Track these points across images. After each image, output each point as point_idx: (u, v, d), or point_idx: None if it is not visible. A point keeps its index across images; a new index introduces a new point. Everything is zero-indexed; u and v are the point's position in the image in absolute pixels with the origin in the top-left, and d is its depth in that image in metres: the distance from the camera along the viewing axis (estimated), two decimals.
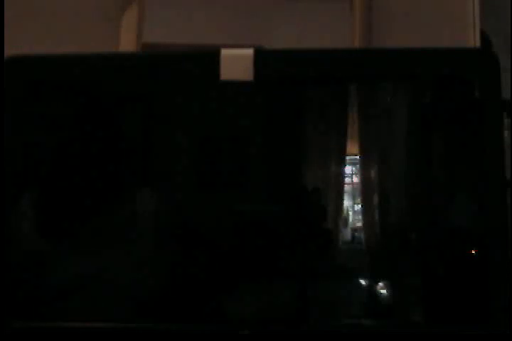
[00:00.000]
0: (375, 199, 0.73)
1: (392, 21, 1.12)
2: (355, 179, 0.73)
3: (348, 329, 0.67)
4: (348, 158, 0.73)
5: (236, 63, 0.68)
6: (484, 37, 1.16)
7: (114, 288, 0.69)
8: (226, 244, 0.69)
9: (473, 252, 0.67)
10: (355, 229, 0.73)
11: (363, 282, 0.71)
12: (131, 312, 0.69)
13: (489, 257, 0.64)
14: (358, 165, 0.73)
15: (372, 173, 0.73)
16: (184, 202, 0.70)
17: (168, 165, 0.71)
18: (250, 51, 0.68)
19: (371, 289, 0.70)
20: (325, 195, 0.72)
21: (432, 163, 0.72)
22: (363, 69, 0.69)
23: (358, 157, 0.73)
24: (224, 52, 0.68)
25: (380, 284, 0.71)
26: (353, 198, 0.74)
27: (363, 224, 0.73)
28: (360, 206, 0.74)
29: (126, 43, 1.09)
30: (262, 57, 0.68)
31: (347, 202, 0.74)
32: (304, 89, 0.72)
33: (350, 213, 0.74)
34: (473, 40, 1.12)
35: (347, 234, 0.73)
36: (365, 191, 0.73)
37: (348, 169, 0.73)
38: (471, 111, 0.67)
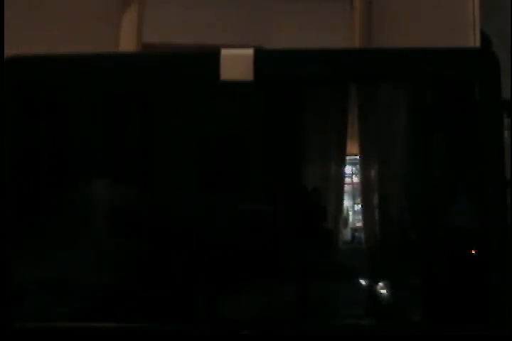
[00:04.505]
0: (375, 199, 0.73)
1: (392, 21, 1.12)
2: (355, 179, 0.73)
3: (348, 329, 0.67)
4: (348, 158, 0.73)
5: (236, 63, 0.68)
6: (484, 37, 1.16)
7: (114, 287, 0.69)
8: (226, 244, 0.69)
9: (473, 252, 0.67)
10: (355, 229, 0.73)
11: (363, 282, 0.71)
12: (131, 312, 0.69)
13: (489, 257, 0.64)
14: (358, 165, 0.73)
15: (372, 173, 0.73)
16: (184, 202, 0.70)
17: (168, 165, 0.71)
18: (250, 51, 0.68)
19: (371, 289, 0.70)
20: (325, 195, 0.72)
21: (432, 163, 0.72)
22: (363, 69, 0.69)
23: (358, 157, 0.73)
24: (224, 52, 0.68)
25: (380, 284, 0.71)
26: (353, 198, 0.74)
27: (363, 224, 0.73)
28: (360, 206, 0.74)
29: (126, 43, 1.09)
30: (262, 57, 0.68)
31: (347, 202, 0.74)
32: (304, 89, 0.72)
33: (350, 213, 0.74)
34: (473, 40, 1.12)
35: (347, 234, 0.73)
36: (365, 191, 0.73)
37: (348, 169, 0.73)
38: (471, 111, 0.67)
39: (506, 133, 0.68)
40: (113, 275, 0.69)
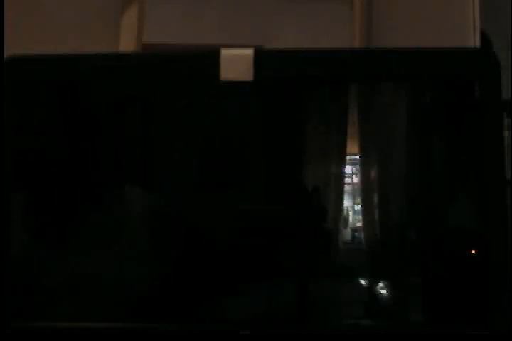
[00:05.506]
0: (375, 199, 0.73)
1: (392, 21, 1.12)
2: (355, 179, 0.73)
3: (348, 330, 0.67)
4: (348, 158, 0.73)
5: (236, 63, 0.68)
6: (484, 37, 1.15)
7: (114, 287, 0.69)
8: (226, 244, 0.69)
9: (473, 252, 0.67)
10: (355, 229, 0.73)
11: (363, 282, 0.71)
12: (131, 312, 0.69)
13: (489, 257, 0.64)
14: (358, 165, 0.73)
15: (372, 173, 0.73)
16: (184, 202, 0.70)
17: (168, 165, 0.71)
18: (250, 51, 0.68)
19: (371, 289, 0.70)
20: (325, 195, 0.72)
21: (432, 163, 0.72)
22: (363, 69, 0.69)
23: (358, 157, 0.73)
24: (224, 52, 0.68)
25: (380, 284, 0.71)
26: (353, 198, 0.74)
27: (363, 224, 0.73)
28: (360, 206, 0.74)
29: (126, 43, 1.09)
30: (262, 57, 0.68)
31: (347, 202, 0.74)
32: (304, 89, 0.72)
33: (350, 213, 0.74)
34: (473, 40, 1.12)
35: (347, 234, 0.73)
36: (365, 191, 0.73)
37: (348, 169, 0.73)
38: (471, 111, 0.67)
39: (506, 133, 0.68)
40: (112, 276, 0.69)
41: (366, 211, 0.74)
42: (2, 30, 1.06)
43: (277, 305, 0.68)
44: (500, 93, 0.66)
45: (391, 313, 0.71)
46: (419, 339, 0.66)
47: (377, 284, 0.71)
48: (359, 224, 0.73)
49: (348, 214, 0.74)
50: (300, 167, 0.72)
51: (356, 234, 0.73)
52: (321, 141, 0.73)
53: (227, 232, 0.68)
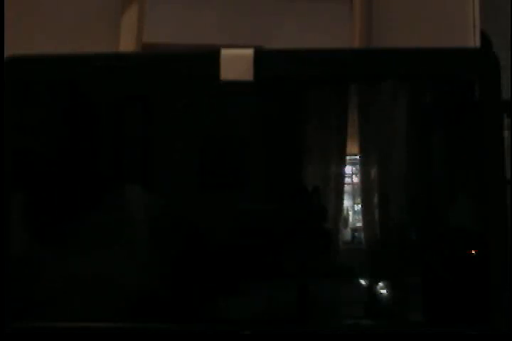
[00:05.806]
0: (375, 199, 0.73)
1: (392, 21, 1.12)
2: (355, 179, 0.73)
3: (348, 330, 0.67)
4: (348, 158, 0.73)
5: (236, 63, 0.68)
6: (484, 37, 1.15)
7: (114, 287, 0.69)
8: (226, 244, 0.69)
9: (473, 252, 0.67)
10: (355, 229, 0.73)
11: (363, 282, 0.71)
12: (131, 312, 0.69)
13: (489, 257, 0.64)
14: (358, 165, 0.73)
15: (372, 173, 0.73)
16: (184, 202, 0.70)
17: (168, 166, 0.71)
18: (250, 51, 0.68)
19: (371, 289, 0.70)
20: (325, 195, 0.72)
21: (432, 163, 0.72)
22: (363, 69, 0.69)
23: (358, 157, 0.73)
24: (224, 52, 0.68)
25: (380, 284, 0.71)
26: (353, 198, 0.74)
27: (363, 224, 0.73)
28: (360, 206, 0.74)
29: (126, 43, 1.09)
30: (262, 57, 0.68)
31: (347, 202, 0.74)
32: (304, 89, 0.72)
33: (350, 213, 0.74)
34: (473, 40, 1.12)
35: (347, 234, 0.73)
36: (365, 191, 0.73)
37: (348, 169, 0.73)
38: (471, 111, 0.67)
39: (506, 133, 0.68)
40: (112, 275, 0.69)
41: (366, 211, 0.74)
42: (2, 30, 1.06)
43: (277, 305, 0.68)
44: (500, 93, 0.66)
45: (391, 313, 0.71)
46: (419, 339, 0.66)
47: (377, 284, 0.71)
48: (359, 224, 0.73)
49: (348, 214, 0.74)
50: (300, 167, 0.72)
51: (356, 234, 0.73)
52: (321, 141, 0.73)
53: (227, 232, 0.68)
